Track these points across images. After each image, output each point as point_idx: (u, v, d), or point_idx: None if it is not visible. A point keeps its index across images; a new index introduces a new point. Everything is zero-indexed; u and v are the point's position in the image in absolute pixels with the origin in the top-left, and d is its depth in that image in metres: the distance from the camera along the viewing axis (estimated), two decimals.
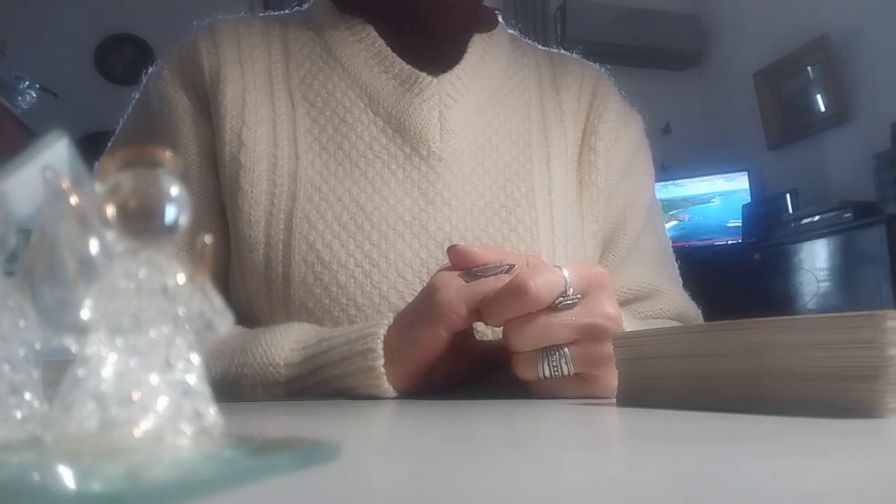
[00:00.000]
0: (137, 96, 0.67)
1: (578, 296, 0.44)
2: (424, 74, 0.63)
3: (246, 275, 0.59)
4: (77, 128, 2.30)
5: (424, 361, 0.47)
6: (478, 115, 0.65)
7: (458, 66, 0.66)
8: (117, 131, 0.66)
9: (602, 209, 0.67)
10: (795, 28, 3.10)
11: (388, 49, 0.65)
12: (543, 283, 0.43)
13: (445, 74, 0.64)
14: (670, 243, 0.75)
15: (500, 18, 0.74)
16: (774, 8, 3.24)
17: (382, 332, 0.48)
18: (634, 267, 0.68)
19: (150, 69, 0.67)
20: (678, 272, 0.73)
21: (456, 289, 0.46)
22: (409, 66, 0.64)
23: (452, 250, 0.48)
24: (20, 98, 2.56)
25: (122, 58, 3.08)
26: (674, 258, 0.74)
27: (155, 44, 3.06)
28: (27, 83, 2.59)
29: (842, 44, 2.95)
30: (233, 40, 0.64)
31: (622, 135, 0.70)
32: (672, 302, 0.67)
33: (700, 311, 0.70)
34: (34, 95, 2.62)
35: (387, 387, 0.47)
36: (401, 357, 0.47)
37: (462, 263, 0.47)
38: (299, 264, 0.57)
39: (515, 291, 0.43)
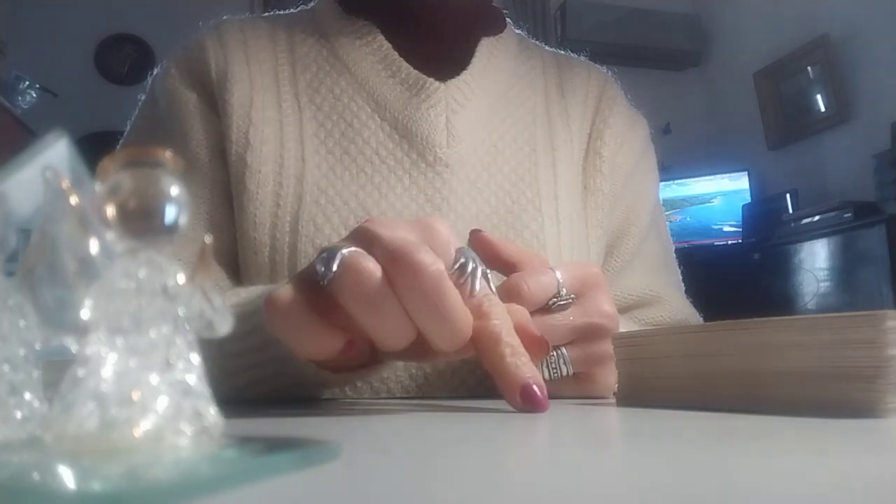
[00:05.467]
0: (143, 97, 0.66)
1: (572, 296, 0.44)
2: (432, 80, 0.63)
3: (252, 277, 0.58)
4: (77, 128, 2.30)
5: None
6: (484, 120, 0.65)
7: (465, 71, 0.65)
8: (125, 133, 0.66)
9: (606, 214, 0.67)
10: (795, 28, 3.10)
11: (395, 53, 0.64)
12: (536, 285, 0.43)
13: (453, 80, 0.64)
14: (673, 249, 0.75)
15: (508, 20, 0.74)
16: (774, 8, 3.24)
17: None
18: (636, 273, 0.67)
19: (156, 69, 0.66)
20: (680, 278, 0.72)
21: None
22: (416, 72, 0.63)
23: (475, 236, 0.46)
24: (20, 98, 2.56)
25: (122, 58, 3.08)
26: (676, 264, 0.73)
27: (155, 44, 3.06)
28: (27, 83, 2.59)
29: (842, 44, 2.95)
30: (239, 41, 0.64)
31: (628, 139, 0.70)
32: (673, 310, 0.66)
33: (702, 319, 0.70)
34: (34, 95, 2.62)
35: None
36: None
37: (483, 252, 0.46)
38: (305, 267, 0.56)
39: (508, 293, 0.43)
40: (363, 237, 0.36)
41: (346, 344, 0.36)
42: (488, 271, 0.38)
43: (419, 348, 0.36)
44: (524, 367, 0.34)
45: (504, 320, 0.36)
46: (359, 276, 0.34)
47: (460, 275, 0.37)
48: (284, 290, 0.36)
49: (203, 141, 0.61)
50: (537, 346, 0.37)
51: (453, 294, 0.34)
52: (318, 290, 0.35)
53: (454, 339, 0.34)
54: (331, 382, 0.45)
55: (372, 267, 0.34)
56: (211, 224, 0.60)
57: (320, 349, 0.36)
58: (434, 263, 0.33)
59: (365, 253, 0.35)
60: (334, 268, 0.34)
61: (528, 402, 0.33)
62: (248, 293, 0.47)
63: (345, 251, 0.35)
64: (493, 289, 0.38)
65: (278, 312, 0.36)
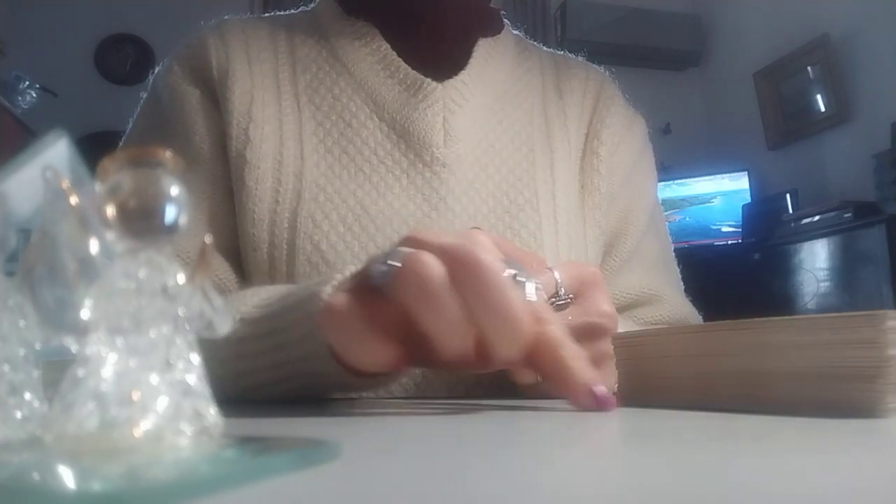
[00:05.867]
0: (145, 95, 0.66)
1: (571, 296, 0.44)
2: (429, 80, 0.63)
3: (252, 273, 0.59)
4: (77, 128, 2.30)
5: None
6: (482, 120, 0.65)
7: (463, 71, 0.65)
8: (128, 131, 0.66)
9: (604, 213, 0.67)
10: (795, 28, 3.10)
11: (394, 54, 0.65)
12: None
13: (450, 80, 0.64)
14: (672, 248, 0.75)
15: (505, 21, 0.74)
16: (774, 8, 3.24)
17: (328, 289, 0.40)
18: (635, 272, 0.67)
19: (158, 68, 0.67)
20: (680, 277, 0.72)
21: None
22: (414, 72, 0.64)
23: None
24: (20, 98, 2.56)
25: (122, 58, 3.08)
26: (676, 263, 0.73)
27: (155, 44, 3.06)
28: (27, 83, 2.59)
29: (842, 44, 2.95)
30: (241, 40, 0.64)
31: (625, 139, 0.70)
32: (672, 308, 0.66)
33: (701, 318, 0.70)
34: (34, 95, 2.62)
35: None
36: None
37: None
38: (304, 264, 0.56)
39: None
40: (413, 243, 0.35)
41: (399, 357, 0.36)
42: (535, 281, 0.37)
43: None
44: (589, 370, 0.35)
45: (561, 326, 0.36)
46: (422, 270, 0.33)
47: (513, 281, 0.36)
48: (340, 298, 0.36)
49: (206, 137, 0.61)
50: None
51: (514, 292, 0.33)
52: (370, 298, 0.35)
53: (517, 340, 0.34)
54: (351, 387, 0.44)
55: (434, 262, 0.33)
56: (213, 220, 0.60)
57: (375, 360, 0.36)
58: (494, 261, 0.33)
59: (427, 254, 0.34)
60: (397, 264, 0.34)
61: (598, 403, 0.34)
62: (268, 293, 0.47)
63: (405, 249, 0.34)
64: (545, 298, 0.38)
65: (335, 321, 0.36)
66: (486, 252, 0.34)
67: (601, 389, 0.34)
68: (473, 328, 0.33)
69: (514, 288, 0.34)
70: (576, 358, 0.35)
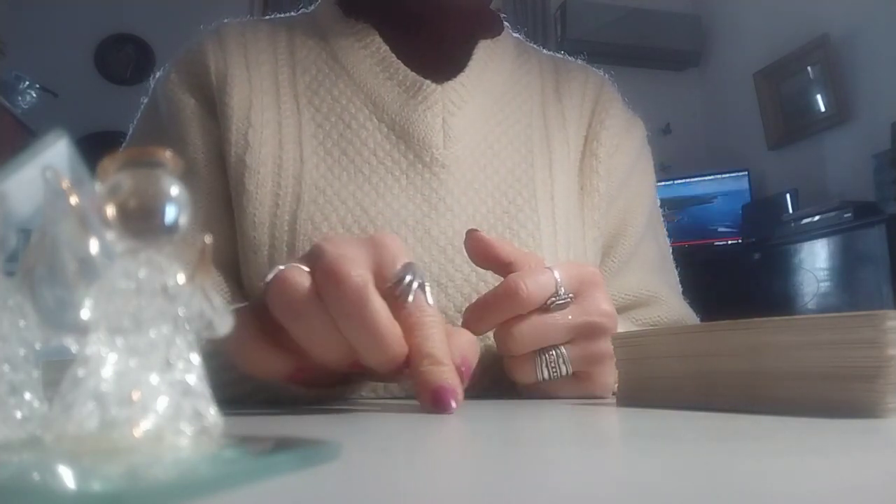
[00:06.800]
0: (146, 100, 0.67)
1: (570, 295, 0.44)
2: (429, 82, 0.63)
3: (252, 276, 0.59)
4: (77, 128, 2.30)
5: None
6: (481, 122, 0.65)
7: (462, 73, 0.65)
8: (128, 136, 0.66)
9: (603, 215, 0.67)
10: (795, 28, 3.10)
11: (393, 55, 0.65)
12: (534, 284, 0.43)
13: (450, 82, 0.64)
14: (671, 250, 0.75)
15: (505, 23, 0.74)
16: (774, 8, 3.24)
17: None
18: (633, 274, 0.68)
19: (158, 73, 0.67)
20: (678, 280, 0.73)
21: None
22: (413, 73, 0.64)
23: (471, 236, 0.47)
24: (20, 98, 2.57)
25: (122, 58, 3.08)
26: (674, 266, 0.74)
27: (155, 44, 3.06)
28: (27, 83, 2.60)
29: (842, 44, 2.95)
30: (240, 44, 0.64)
31: (624, 141, 0.70)
32: (670, 310, 0.67)
33: (699, 320, 0.70)
34: (34, 95, 2.62)
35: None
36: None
37: (478, 250, 0.47)
38: None
39: (506, 292, 0.43)
40: (313, 254, 0.37)
41: (295, 367, 0.37)
42: (427, 285, 0.38)
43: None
44: (436, 373, 0.35)
45: (432, 333, 0.36)
46: (285, 286, 0.35)
47: (396, 287, 0.37)
48: (236, 313, 0.37)
49: (200, 147, 0.61)
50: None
51: (377, 304, 0.34)
52: (266, 310, 0.37)
53: (380, 350, 0.35)
54: (308, 397, 0.44)
55: (299, 278, 0.35)
56: (206, 230, 0.60)
57: (269, 371, 0.38)
58: (359, 274, 0.34)
59: (301, 267, 0.36)
60: (268, 279, 0.36)
61: (434, 404, 0.34)
62: None
63: (283, 266, 0.36)
64: (431, 301, 0.38)
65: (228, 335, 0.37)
66: (355, 266, 0.35)
67: (439, 392, 0.34)
68: (344, 338, 0.35)
69: (375, 300, 0.34)
70: (431, 363, 0.35)
